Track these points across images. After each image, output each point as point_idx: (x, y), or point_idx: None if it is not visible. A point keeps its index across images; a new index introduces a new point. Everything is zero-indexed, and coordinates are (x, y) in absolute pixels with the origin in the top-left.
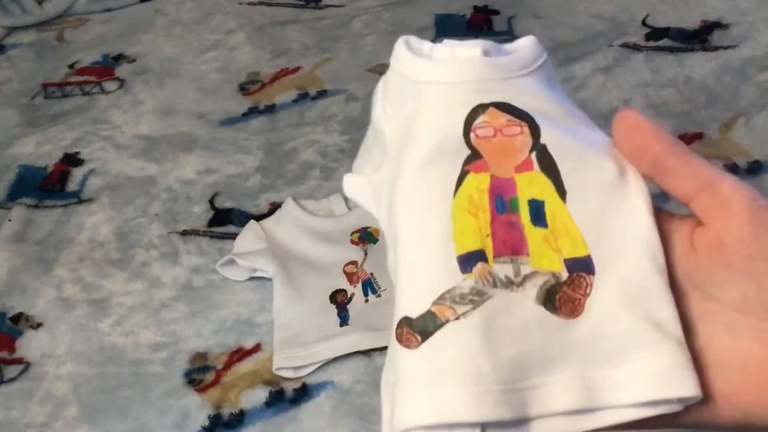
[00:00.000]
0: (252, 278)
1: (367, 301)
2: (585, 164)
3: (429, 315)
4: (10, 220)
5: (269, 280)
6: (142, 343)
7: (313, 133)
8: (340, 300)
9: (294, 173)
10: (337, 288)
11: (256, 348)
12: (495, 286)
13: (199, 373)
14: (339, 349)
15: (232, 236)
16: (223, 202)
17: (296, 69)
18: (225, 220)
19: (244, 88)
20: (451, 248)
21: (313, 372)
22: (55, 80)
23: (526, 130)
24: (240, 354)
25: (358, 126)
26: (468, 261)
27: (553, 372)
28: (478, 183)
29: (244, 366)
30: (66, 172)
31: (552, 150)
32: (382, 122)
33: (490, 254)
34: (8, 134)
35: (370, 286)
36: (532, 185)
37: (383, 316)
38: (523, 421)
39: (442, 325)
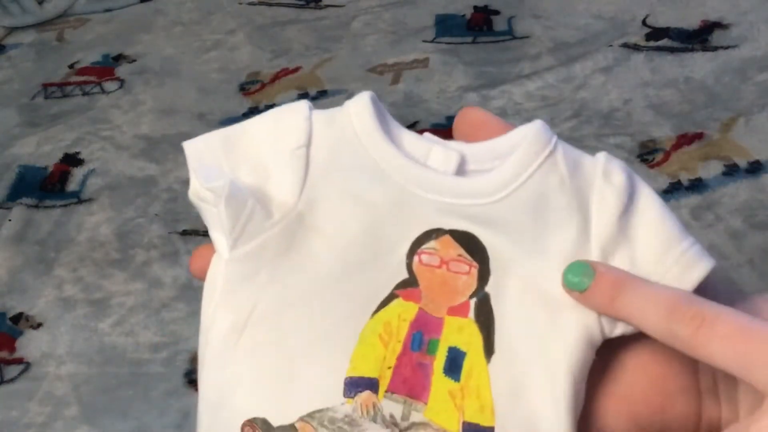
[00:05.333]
0: None
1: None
2: (526, 329)
3: (290, 430)
4: (10, 220)
5: None
6: (142, 343)
7: None
8: None
9: None
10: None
11: None
12: (374, 421)
13: None
14: None
15: None
16: None
17: (296, 69)
18: None
19: (244, 88)
20: (343, 366)
21: None
22: (55, 80)
23: (475, 272)
24: None
25: None
26: (355, 386)
27: None
28: (403, 311)
29: None
30: (66, 172)
31: (495, 302)
32: (312, 173)
33: (383, 387)
34: (8, 134)
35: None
36: (460, 333)
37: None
38: None
39: None
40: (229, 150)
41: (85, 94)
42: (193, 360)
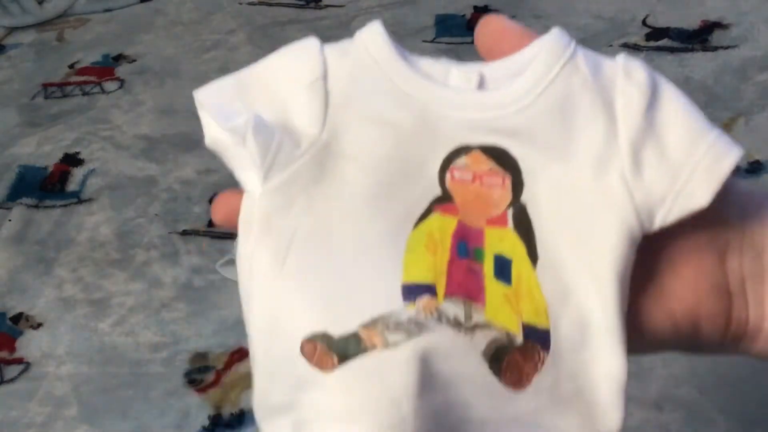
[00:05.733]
0: None
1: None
2: (566, 234)
3: (353, 338)
4: (10, 220)
5: None
6: (142, 343)
7: None
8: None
9: None
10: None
11: None
12: (440, 321)
13: (200, 374)
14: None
15: (233, 236)
16: None
17: None
18: None
19: None
20: (397, 273)
21: None
22: (55, 80)
23: (508, 183)
24: (240, 354)
25: None
26: (414, 291)
27: None
28: (443, 224)
29: (245, 366)
30: (66, 172)
31: (532, 211)
32: (330, 102)
33: (441, 291)
34: (8, 134)
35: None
36: (502, 242)
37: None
38: None
39: (365, 351)
40: (243, 91)
41: (85, 94)
42: (193, 360)
